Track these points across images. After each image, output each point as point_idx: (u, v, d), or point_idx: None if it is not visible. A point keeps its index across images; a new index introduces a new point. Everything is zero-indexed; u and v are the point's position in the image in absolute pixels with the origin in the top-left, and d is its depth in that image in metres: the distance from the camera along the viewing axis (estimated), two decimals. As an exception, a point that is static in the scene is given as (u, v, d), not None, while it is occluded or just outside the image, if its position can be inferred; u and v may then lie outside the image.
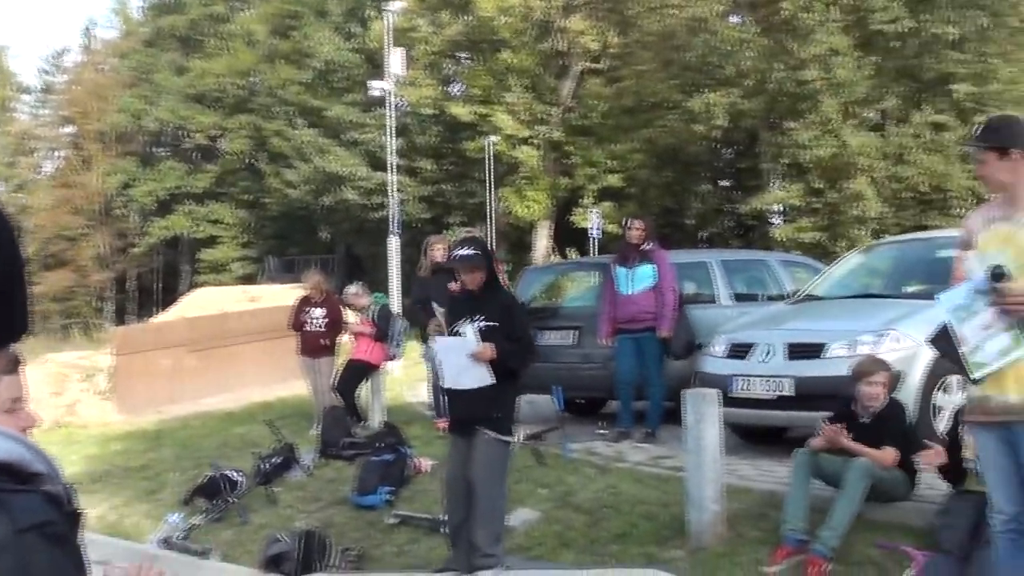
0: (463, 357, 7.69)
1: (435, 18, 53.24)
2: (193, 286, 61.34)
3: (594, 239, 46.50)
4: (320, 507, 11.13)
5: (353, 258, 65.65)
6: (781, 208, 49.83)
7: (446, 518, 8.22)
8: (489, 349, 7.59)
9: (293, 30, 62.79)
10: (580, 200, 52.42)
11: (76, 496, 2.10)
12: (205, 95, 66.90)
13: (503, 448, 7.80)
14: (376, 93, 39.89)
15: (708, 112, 44.14)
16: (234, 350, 24.53)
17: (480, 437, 7.66)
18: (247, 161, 67.53)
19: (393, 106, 40.72)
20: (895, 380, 8.56)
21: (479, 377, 7.66)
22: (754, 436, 11.33)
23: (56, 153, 78.94)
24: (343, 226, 62.32)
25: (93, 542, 9.67)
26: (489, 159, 51.92)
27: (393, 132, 40.40)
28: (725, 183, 58.00)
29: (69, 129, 76.11)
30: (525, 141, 52.24)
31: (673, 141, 48.32)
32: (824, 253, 38.69)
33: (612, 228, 46.10)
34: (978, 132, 5.32)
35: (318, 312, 15.49)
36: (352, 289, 15.86)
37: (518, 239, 57.86)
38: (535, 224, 54.35)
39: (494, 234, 52.99)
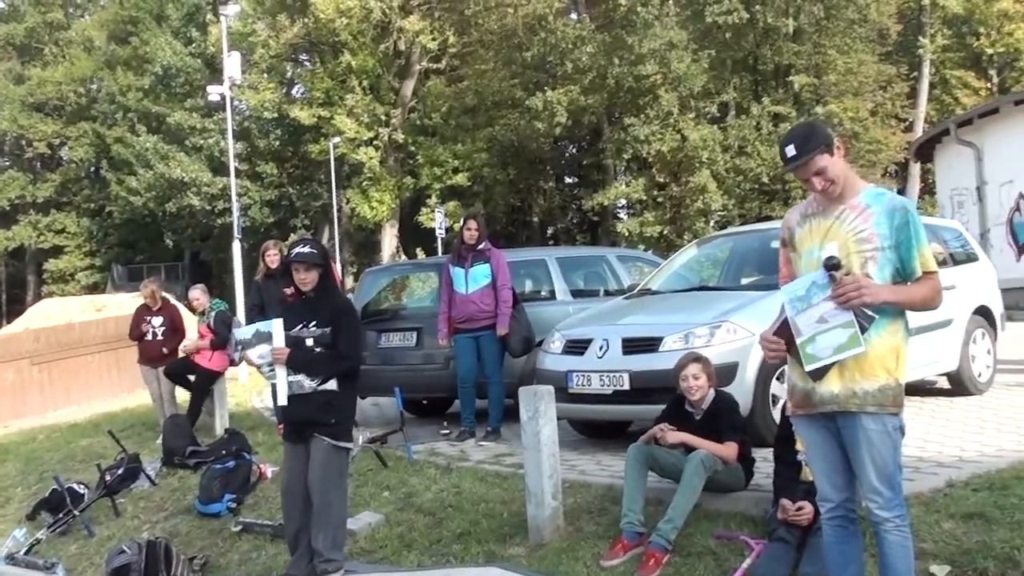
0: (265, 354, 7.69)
1: (273, 21, 52.83)
2: (39, 297, 60.16)
3: (441, 238, 46.53)
4: (165, 516, 11.02)
5: (201, 264, 64.99)
6: (626, 203, 50.30)
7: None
8: (284, 351, 7.60)
9: (132, 36, 61.93)
10: (426, 200, 52.43)
11: None
12: (45, 103, 65.67)
13: (341, 454, 7.78)
14: (215, 98, 39.33)
15: (549, 109, 44.41)
16: (80, 361, 24.14)
17: (317, 443, 7.63)
18: (90, 169, 66.52)
19: (233, 111, 40.27)
20: (721, 374, 8.67)
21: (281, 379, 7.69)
22: (596, 431, 11.37)
23: None
24: (189, 232, 61.69)
25: (-61, 559, 9.36)
26: (332, 162, 51.66)
27: (233, 137, 39.90)
28: (570, 179, 58.34)
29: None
30: (368, 143, 52.09)
31: (516, 139, 48.52)
32: (669, 246, 39.23)
33: (457, 227, 46.15)
34: (799, 148, 5.24)
35: (157, 320, 15.37)
36: (194, 293, 15.76)
37: (365, 240, 57.76)
38: (381, 225, 54.25)
39: (339, 236, 52.75)
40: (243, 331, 8.19)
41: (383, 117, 52.67)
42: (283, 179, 58.03)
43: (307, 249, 7.80)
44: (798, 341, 5.20)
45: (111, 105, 62.38)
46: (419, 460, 11.08)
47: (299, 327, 7.68)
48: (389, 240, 54.57)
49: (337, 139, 51.21)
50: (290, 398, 7.69)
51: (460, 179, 51.32)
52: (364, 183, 53.18)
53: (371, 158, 52.03)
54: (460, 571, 7.49)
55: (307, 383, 7.65)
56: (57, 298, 52.72)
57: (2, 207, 65.94)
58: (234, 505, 10.63)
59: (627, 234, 45.93)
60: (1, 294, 71.98)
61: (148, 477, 12.43)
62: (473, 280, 12.11)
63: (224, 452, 11.78)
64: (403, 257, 48.92)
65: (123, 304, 39.23)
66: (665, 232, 45.06)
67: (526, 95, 45.74)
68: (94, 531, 10.89)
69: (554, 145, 53.52)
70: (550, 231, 58.83)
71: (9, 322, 52.22)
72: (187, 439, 13.27)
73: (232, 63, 31.59)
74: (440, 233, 46.82)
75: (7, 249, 66.92)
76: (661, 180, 45.72)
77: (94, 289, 60.87)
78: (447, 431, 12.68)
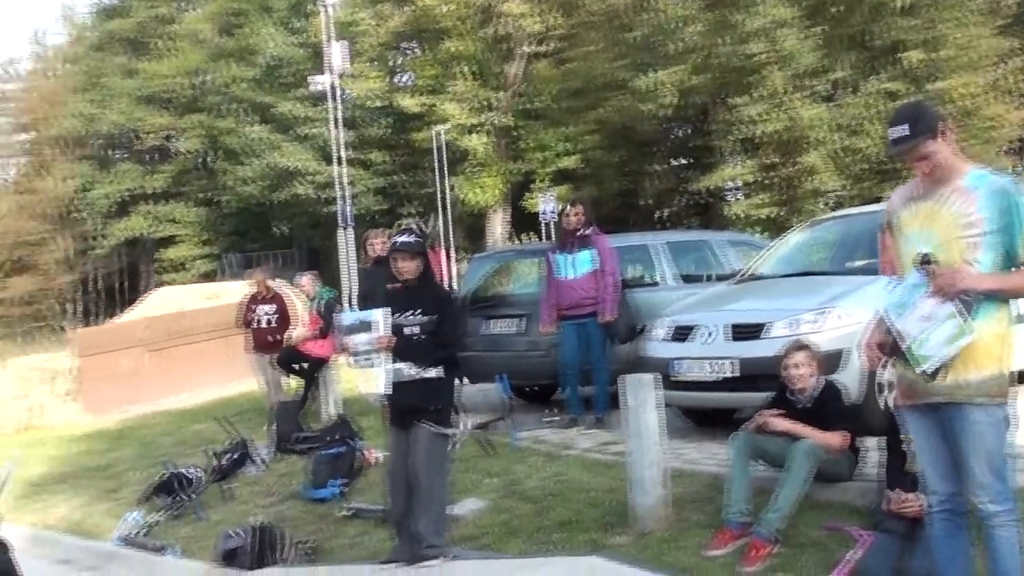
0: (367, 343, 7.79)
1: (377, 10, 52.97)
2: (156, 285, 61.16)
3: (547, 223, 46.11)
4: (274, 501, 11.16)
5: (312, 252, 65.50)
6: (738, 184, 49.59)
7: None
8: (388, 339, 7.66)
9: (238, 27, 62.56)
10: (533, 184, 52.16)
11: None
12: (156, 96, 66.50)
13: (442, 440, 7.83)
14: (317, 87, 39.57)
15: (656, 90, 43.97)
16: (194, 347, 24.50)
17: (419, 430, 7.67)
18: (201, 160, 67.24)
19: (339, 99, 40.50)
20: (829, 361, 8.52)
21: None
22: (705, 418, 11.22)
23: (14, 160, 78.34)
24: (299, 220, 62.26)
25: (56, 542, 9.73)
26: (440, 148, 51.62)
27: (340, 125, 40.13)
28: (680, 161, 57.56)
29: (25, 136, 75.52)
30: (474, 128, 51.97)
31: (624, 121, 48.04)
32: (781, 228, 38.60)
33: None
34: (905, 133, 5.14)
35: (266, 308, 15.60)
36: (304, 280, 16.02)
37: (474, 226, 57.70)
38: (490, 210, 54.14)
39: (450, 223, 52.72)
40: (346, 318, 8.28)
41: (489, 102, 52.55)
42: (392, 167, 58.22)
43: (406, 239, 7.89)
44: (906, 346, 5.10)
45: (220, 96, 63.05)
46: (524, 447, 11.09)
47: (402, 315, 7.73)
48: (499, 226, 54.48)
49: (444, 126, 51.15)
50: (394, 385, 7.74)
51: (569, 162, 51.02)
52: (471, 169, 53.11)
53: (479, 144, 51.95)
54: (562, 560, 7.48)
55: (410, 371, 7.69)
56: (172, 287, 53.57)
57: (119, 198, 66.98)
58: (342, 490, 10.71)
59: (738, 217, 45.36)
60: (121, 283, 73.09)
61: (259, 462, 12.59)
62: (577, 266, 12.03)
63: (332, 438, 11.91)
64: (516, 243, 48.74)
65: (237, 292, 39.68)
66: (777, 214, 44.38)
67: (631, 76, 45.33)
68: (206, 515, 11.05)
69: (662, 127, 52.97)
70: (660, 214, 58.20)
71: (125, 310, 53.12)
72: (295, 425, 13.43)
73: (335, 53, 31.81)
74: (547, 218, 46.36)
75: (124, 239, 67.93)
76: (771, 161, 45.07)
77: (208, 277, 61.62)
78: (552, 418, 12.64)
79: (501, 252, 20.40)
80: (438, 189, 52.39)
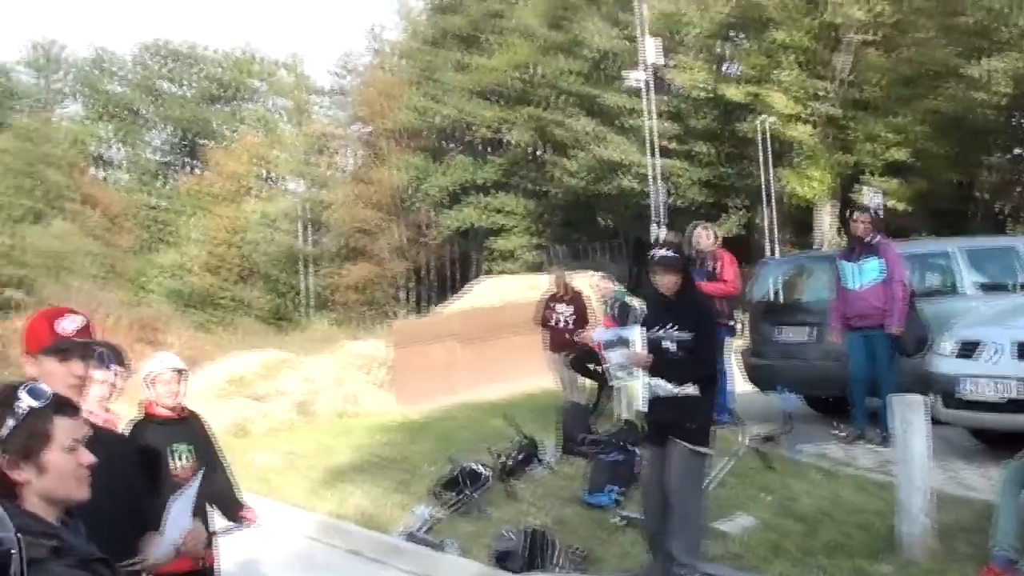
0: (623, 358, 7.80)
1: (700, 1, 52.65)
2: (485, 273, 62.66)
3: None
4: (554, 504, 11.16)
5: (638, 244, 65.76)
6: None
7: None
8: (644, 357, 7.60)
9: (566, 20, 63.30)
10: (862, 177, 50.85)
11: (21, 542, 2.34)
12: (487, 90, 67.93)
13: (698, 458, 7.69)
14: (632, 83, 39.41)
15: (990, 78, 42.26)
16: (507, 341, 24.73)
17: (675, 447, 7.56)
18: (531, 152, 68.38)
19: (651, 93, 40.39)
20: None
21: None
22: (997, 440, 10.61)
23: (351, 151, 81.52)
24: (624, 213, 62.47)
25: (347, 532, 10.11)
26: (765, 139, 50.94)
27: (665, 117, 39.84)
28: (1021, 151, 54.87)
29: (362, 128, 78.39)
30: (800, 119, 51.05)
31: (956, 110, 46.34)
32: None
33: (898, 205, 44.73)
34: None
35: (565, 308, 15.65)
36: (600, 281, 16.05)
37: (802, 221, 56.76)
38: (817, 204, 53.08)
39: (776, 216, 51.94)
40: (604, 334, 8.28)
41: (816, 92, 51.44)
42: (717, 158, 57.75)
43: (665, 253, 7.81)
44: None
45: (549, 89, 63.93)
46: (804, 462, 10.84)
47: (660, 329, 7.65)
48: (827, 219, 53.28)
49: (770, 118, 50.34)
50: (651, 402, 7.68)
51: (899, 155, 49.49)
52: (798, 160, 52.13)
53: (806, 134, 50.91)
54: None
55: (667, 387, 7.59)
56: (498, 276, 54.65)
57: (451, 189, 68.72)
58: (619, 498, 10.66)
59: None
60: (452, 271, 74.91)
61: (545, 463, 12.67)
62: (864, 275, 11.67)
63: (615, 443, 11.86)
64: (844, 238, 47.60)
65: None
66: None
67: (963, 62, 43.60)
68: (488, 513, 11.19)
69: (1000, 116, 50.78)
70: (1000, 208, 55.74)
71: (456, 298, 54.58)
72: (583, 427, 13.42)
73: (649, 48, 31.87)
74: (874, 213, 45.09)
75: (456, 229, 69.64)
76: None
77: (537, 268, 62.64)
78: (839, 432, 12.30)
79: (793, 257, 19.98)
80: (763, 181, 51.73)
